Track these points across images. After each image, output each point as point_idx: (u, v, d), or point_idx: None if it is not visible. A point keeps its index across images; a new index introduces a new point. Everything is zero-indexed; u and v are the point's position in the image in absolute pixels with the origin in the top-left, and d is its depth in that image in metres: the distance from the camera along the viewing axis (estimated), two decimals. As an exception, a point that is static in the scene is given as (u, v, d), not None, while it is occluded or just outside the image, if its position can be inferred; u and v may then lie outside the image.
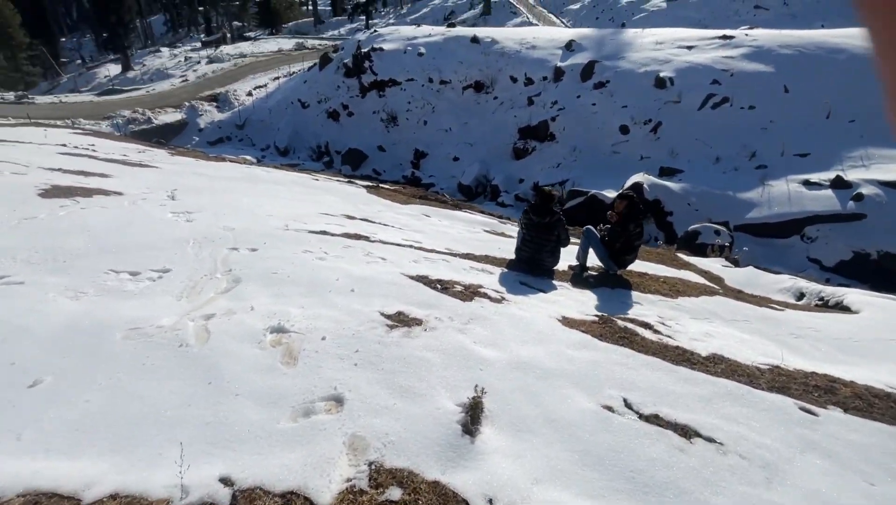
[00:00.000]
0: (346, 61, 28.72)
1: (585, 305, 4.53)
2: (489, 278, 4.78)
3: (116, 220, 5.63)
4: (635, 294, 5.17)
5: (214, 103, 31.38)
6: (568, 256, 5.65)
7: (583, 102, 22.95)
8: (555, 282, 5.11)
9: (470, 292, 4.15)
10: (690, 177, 18.15)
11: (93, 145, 14.33)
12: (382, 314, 3.47)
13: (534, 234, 5.09)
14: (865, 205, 15.31)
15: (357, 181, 11.16)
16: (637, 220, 5.41)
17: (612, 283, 5.38)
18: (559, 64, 24.83)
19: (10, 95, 32.08)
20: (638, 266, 5.84)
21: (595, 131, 22.06)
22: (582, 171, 20.83)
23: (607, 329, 3.80)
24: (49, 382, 2.43)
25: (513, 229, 8.35)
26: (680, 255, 7.83)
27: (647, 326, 4.17)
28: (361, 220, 7.07)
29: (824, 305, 6.77)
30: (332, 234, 5.57)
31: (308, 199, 8.13)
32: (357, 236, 5.63)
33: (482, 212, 9.28)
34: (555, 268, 5.41)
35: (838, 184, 16.15)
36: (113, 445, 2.03)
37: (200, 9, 62.46)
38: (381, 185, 10.90)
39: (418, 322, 3.39)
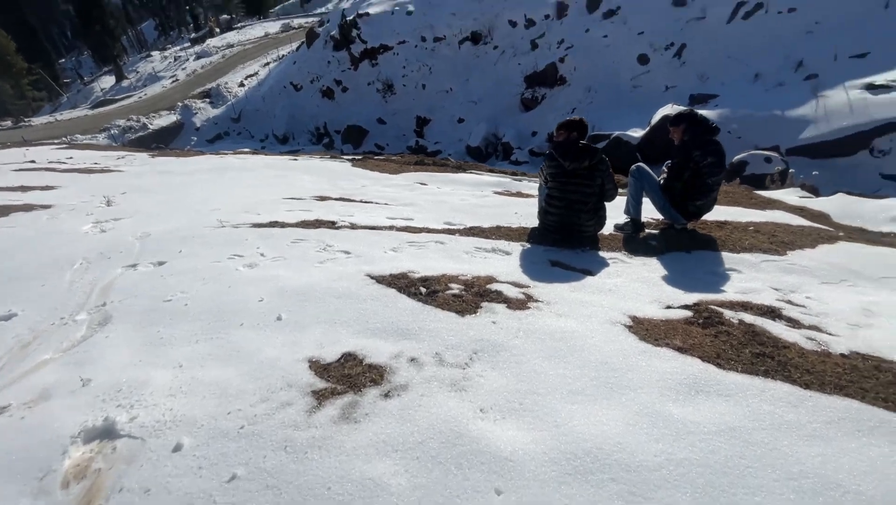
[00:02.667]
0: (332, 34, 26.56)
1: (660, 287, 2.83)
2: (504, 263, 3.13)
3: (9, 240, 4.21)
4: (725, 256, 3.42)
5: (207, 99, 29.90)
6: (613, 213, 3.91)
7: (592, 36, 20.31)
8: (602, 254, 3.41)
9: (474, 294, 2.52)
10: (727, 101, 15.68)
11: (70, 158, 13.10)
12: (313, 366, 1.89)
13: (565, 187, 3.37)
14: (947, 102, 12.71)
15: (344, 156, 9.54)
16: (706, 146, 3.61)
17: (685, 242, 3.64)
18: (561, -3, 22.06)
19: (7, 122, 31.37)
20: (713, 214, 4.04)
21: (610, 67, 19.52)
22: (601, 113, 18.51)
23: (719, 336, 2.12)
24: None
25: (532, 187, 6.60)
26: (758, 192, 5.94)
27: (772, 312, 2.47)
28: (338, 199, 5.47)
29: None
30: (285, 225, 3.99)
31: (278, 183, 6.57)
32: (318, 223, 4.03)
33: (491, 170, 7.54)
34: (599, 233, 3.70)
35: (910, 82, 13.50)
36: None
37: (187, 7, 60.35)
38: (369, 155, 9.24)
39: (375, 378, 1.80)
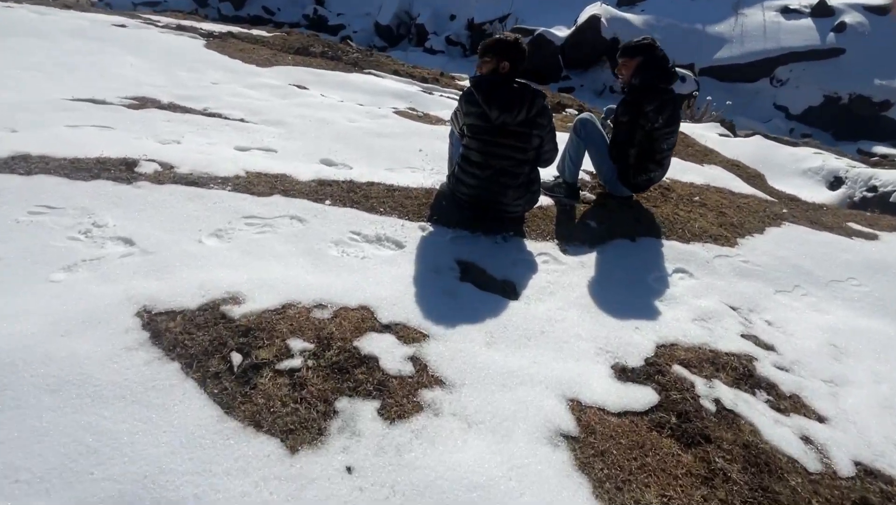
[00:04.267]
0: None
1: (604, 320, 1.99)
2: (390, 272, 2.03)
3: None
4: (674, 247, 2.68)
5: None
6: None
7: None
8: (529, 245, 2.47)
9: (327, 370, 1.44)
10: (655, 6, 14.60)
11: None
12: None
13: (490, 149, 2.23)
14: (847, 36, 12.94)
15: (204, 26, 7.00)
16: (661, 98, 2.67)
17: (629, 223, 2.81)
18: None
19: None
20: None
21: (541, -55, 16.98)
22: (527, 2, 16.47)
23: (711, 480, 1.36)
24: None
25: (446, 103, 5.25)
26: (691, 136, 5.24)
27: (748, 376, 1.80)
28: (166, 106, 3.71)
29: (883, 202, 4.72)
30: (31, 169, 2.38)
31: (80, 66, 4.42)
32: (103, 165, 2.47)
33: (397, 72, 5.89)
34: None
35: (820, 11, 13.42)
36: None
37: None
38: (246, 26, 6.86)
39: None
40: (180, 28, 6.32)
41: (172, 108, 3.74)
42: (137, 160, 2.61)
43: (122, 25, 6.07)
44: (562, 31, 14.41)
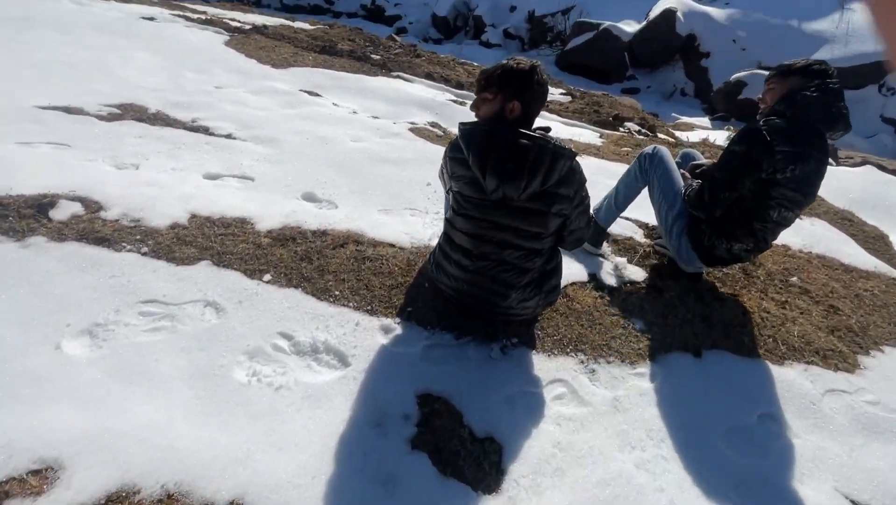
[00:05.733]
0: None
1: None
2: (297, 423, 1.34)
3: None
4: (759, 368, 1.80)
5: None
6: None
7: None
8: (539, 360, 1.69)
9: None
10: (740, 0, 12.78)
11: None
12: None
13: (484, 227, 1.47)
14: None
15: (234, 21, 6.55)
16: (807, 147, 1.76)
17: (693, 323, 1.95)
18: None
19: None
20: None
21: (616, -69, 15.41)
22: (593, -6, 15.07)
23: None
24: None
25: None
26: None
27: None
28: (149, 117, 3.21)
29: None
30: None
31: (82, 65, 4.05)
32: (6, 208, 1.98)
33: (430, 75, 5.10)
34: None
35: (951, 6, 11.08)
36: None
37: None
38: (265, 26, 6.33)
39: None
40: (209, 22, 5.90)
41: (155, 119, 3.24)
42: (57, 200, 2.07)
43: (151, 18, 5.74)
44: (630, 26, 12.97)
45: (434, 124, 3.94)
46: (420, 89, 4.81)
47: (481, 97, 1.44)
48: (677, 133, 6.34)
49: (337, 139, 3.35)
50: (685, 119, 10.03)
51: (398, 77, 4.94)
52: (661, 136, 5.55)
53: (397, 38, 9.53)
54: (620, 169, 2.69)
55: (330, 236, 2.17)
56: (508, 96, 1.38)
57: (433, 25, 17.78)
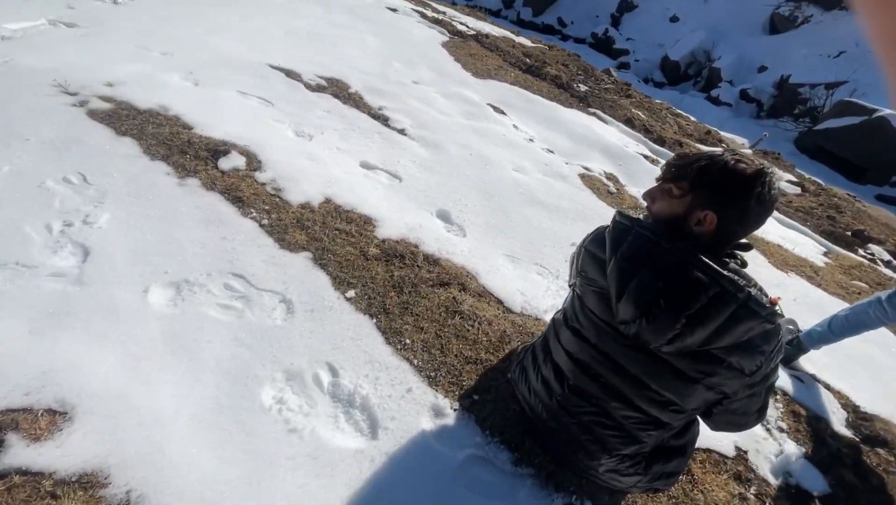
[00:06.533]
0: None
1: None
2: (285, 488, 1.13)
3: None
4: None
5: None
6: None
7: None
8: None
9: None
10: None
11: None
12: None
13: (597, 362, 1.04)
14: None
15: (461, 25, 6.81)
16: None
17: None
18: None
19: None
20: None
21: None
22: (876, 71, 12.06)
23: None
24: None
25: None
26: None
27: None
28: (346, 95, 3.43)
29: None
30: None
31: (319, 43, 4.58)
32: None
33: (630, 121, 4.50)
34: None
35: None
36: None
37: None
38: (484, 34, 6.40)
39: None
40: (438, 22, 6.27)
41: (348, 98, 3.45)
42: (230, 150, 2.27)
43: (394, 10, 6.33)
44: (923, 122, 9.99)
45: (611, 177, 3.44)
46: (612, 133, 4.30)
47: (662, 187, 1.01)
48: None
49: (499, 163, 3.13)
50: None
51: (593, 114, 4.50)
52: (921, 278, 4.01)
53: (614, 72, 8.95)
54: (837, 309, 1.88)
55: (439, 268, 1.94)
56: (701, 201, 0.93)
57: (660, 68, 16.47)
